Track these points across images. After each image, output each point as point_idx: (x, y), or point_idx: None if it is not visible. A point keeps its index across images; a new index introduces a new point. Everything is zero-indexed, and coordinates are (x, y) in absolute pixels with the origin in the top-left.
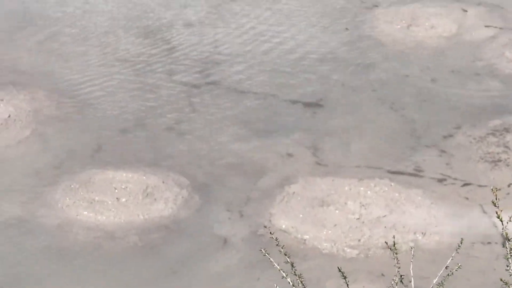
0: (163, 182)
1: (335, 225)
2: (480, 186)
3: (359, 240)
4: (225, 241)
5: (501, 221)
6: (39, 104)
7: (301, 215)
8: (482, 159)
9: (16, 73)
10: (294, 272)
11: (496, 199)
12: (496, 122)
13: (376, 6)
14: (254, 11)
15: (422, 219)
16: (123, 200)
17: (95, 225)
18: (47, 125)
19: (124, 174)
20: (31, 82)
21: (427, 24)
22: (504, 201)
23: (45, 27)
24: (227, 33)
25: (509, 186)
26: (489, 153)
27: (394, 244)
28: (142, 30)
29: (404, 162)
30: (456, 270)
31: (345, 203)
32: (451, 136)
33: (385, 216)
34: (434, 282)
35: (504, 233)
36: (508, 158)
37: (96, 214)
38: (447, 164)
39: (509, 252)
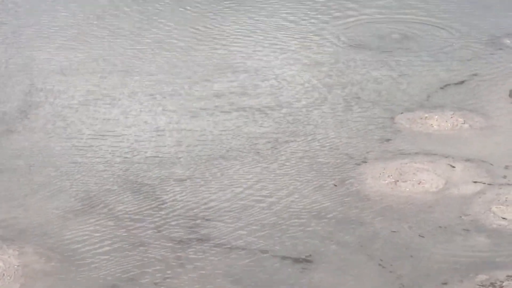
0: None
1: None
2: None
3: None
4: None
5: None
6: (28, 259)
7: None
8: None
9: (7, 228)
10: None
11: None
12: (483, 277)
13: (365, 161)
14: (243, 169)
15: None
16: None
17: None
18: (36, 280)
19: None
20: (21, 238)
21: (414, 179)
22: None
23: (44, 185)
24: (217, 189)
25: None
26: None
27: None
28: (132, 186)
29: None
30: None
31: None
32: None
33: None
34: None
35: None
36: None
37: None
38: None
39: None
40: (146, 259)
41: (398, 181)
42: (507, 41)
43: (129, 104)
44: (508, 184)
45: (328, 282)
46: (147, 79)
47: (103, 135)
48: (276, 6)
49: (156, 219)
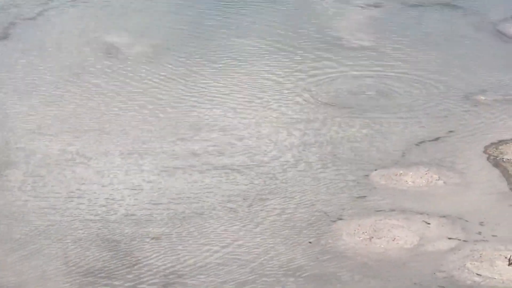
0: None
1: None
2: None
3: None
4: None
5: None
6: None
7: None
8: None
9: None
10: None
11: None
12: None
13: (340, 218)
14: (220, 227)
15: None
16: None
17: None
18: None
19: None
20: None
21: (389, 236)
22: None
23: (21, 245)
24: (194, 248)
25: None
26: None
27: None
28: (109, 245)
29: None
30: None
31: None
32: None
33: None
34: None
35: None
36: None
37: None
38: None
39: None
40: None
41: (373, 237)
42: (482, 98)
43: (104, 163)
44: (483, 240)
45: None
46: (122, 137)
47: (79, 195)
48: (255, 64)
49: (132, 277)
